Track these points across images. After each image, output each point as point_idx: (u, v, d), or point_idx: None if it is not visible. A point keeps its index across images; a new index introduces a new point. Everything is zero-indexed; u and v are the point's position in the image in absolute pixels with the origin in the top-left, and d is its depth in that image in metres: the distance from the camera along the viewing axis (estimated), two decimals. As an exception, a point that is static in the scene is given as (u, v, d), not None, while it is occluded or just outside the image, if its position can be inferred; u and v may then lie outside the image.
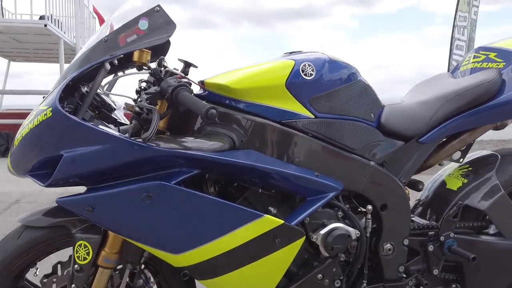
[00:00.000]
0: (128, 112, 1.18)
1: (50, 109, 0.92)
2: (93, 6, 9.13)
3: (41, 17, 6.84)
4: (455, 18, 7.14)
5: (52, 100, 0.93)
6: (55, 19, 6.79)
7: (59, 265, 1.18)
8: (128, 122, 1.20)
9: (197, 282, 1.18)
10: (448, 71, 5.40)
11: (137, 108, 1.02)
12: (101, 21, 10.76)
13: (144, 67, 1.13)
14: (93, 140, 0.93)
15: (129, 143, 0.93)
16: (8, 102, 10.57)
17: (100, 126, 0.97)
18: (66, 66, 7.37)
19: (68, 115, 0.92)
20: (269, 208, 1.09)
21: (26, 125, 0.98)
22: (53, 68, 12.11)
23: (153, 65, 1.14)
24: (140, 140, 0.95)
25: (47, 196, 4.06)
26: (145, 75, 1.17)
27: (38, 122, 0.94)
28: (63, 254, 1.18)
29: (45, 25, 6.31)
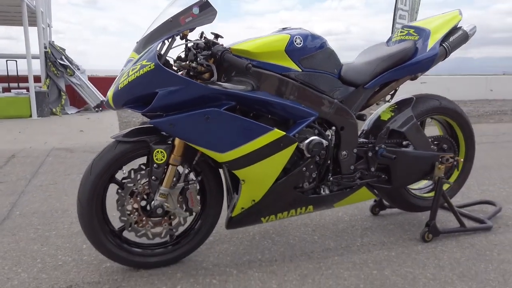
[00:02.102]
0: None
1: (153, 64, 1.51)
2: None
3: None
4: (398, -11, 7.93)
5: (153, 57, 1.52)
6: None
7: (132, 171, 1.79)
8: None
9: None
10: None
11: (193, 64, 1.62)
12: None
13: (186, 38, 1.72)
14: (179, 83, 1.54)
15: (200, 85, 1.56)
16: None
17: (181, 75, 1.57)
18: (29, 28, 7.39)
19: (165, 68, 1.52)
20: (274, 127, 1.75)
21: (131, 74, 1.56)
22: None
23: (193, 35, 1.74)
24: (204, 83, 1.57)
25: (36, 152, 4.50)
26: (181, 45, 1.75)
27: (144, 72, 1.53)
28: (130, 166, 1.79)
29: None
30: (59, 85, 8.36)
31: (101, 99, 8.67)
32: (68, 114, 8.30)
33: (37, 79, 8.08)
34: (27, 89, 7.57)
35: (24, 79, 7.76)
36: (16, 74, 8.33)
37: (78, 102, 8.88)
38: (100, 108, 8.66)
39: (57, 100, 8.34)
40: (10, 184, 3.22)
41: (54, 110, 8.06)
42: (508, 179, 3.29)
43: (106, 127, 6.49)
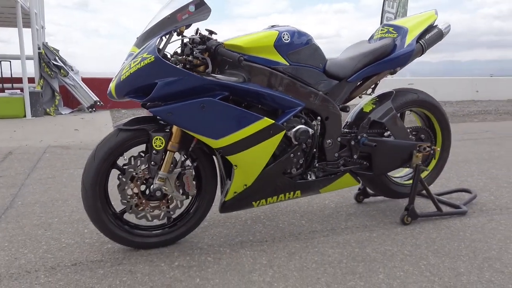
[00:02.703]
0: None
1: (153, 56, 1.66)
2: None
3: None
4: (386, -8, 8.18)
5: (153, 51, 1.67)
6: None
7: (132, 157, 1.93)
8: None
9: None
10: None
11: (190, 58, 1.77)
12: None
13: (182, 34, 1.87)
14: (177, 74, 1.68)
15: (196, 76, 1.71)
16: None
17: (179, 66, 1.72)
18: (24, 30, 7.48)
19: (164, 60, 1.67)
20: (264, 116, 1.91)
21: (133, 66, 1.70)
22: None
23: (189, 32, 1.89)
24: (200, 74, 1.72)
25: (33, 149, 4.60)
26: (178, 40, 1.89)
27: (144, 64, 1.67)
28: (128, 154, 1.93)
29: (6, -11, 6.43)
30: (53, 85, 8.44)
31: (95, 100, 8.77)
32: (61, 114, 8.38)
33: (31, 80, 8.16)
34: (21, 89, 7.64)
35: (18, 80, 7.83)
36: (10, 75, 8.39)
37: (71, 102, 8.96)
38: (94, 109, 8.75)
39: (51, 100, 8.41)
40: (9, 178, 3.33)
41: (48, 110, 8.14)
42: (486, 171, 3.48)
43: (100, 126, 6.60)
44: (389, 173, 2.46)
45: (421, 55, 2.28)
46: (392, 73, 2.28)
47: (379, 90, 2.38)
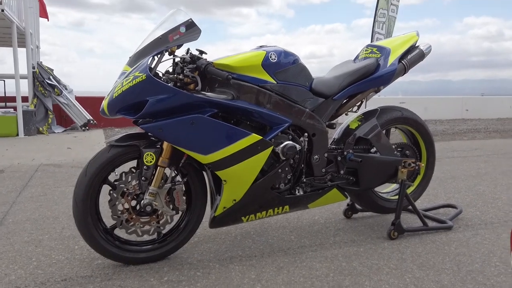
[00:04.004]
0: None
1: (145, 75, 1.72)
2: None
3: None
4: (375, 14, 8.40)
5: (145, 69, 1.73)
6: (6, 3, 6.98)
7: (123, 173, 1.97)
8: None
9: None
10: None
11: (180, 76, 1.83)
12: (42, 5, 10.74)
13: (173, 54, 1.94)
14: (167, 92, 1.74)
15: (186, 94, 1.77)
16: None
17: (170, 85, 1.78)
18: (19, 50, 7.56)
19: (155, 78, 1.73)
20: (252, 132, 1.97)
21: (125, 84, 1.76)
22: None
23: (180, 51, 1.96)
24: (190, 92, 1.78)
25: (25, 167, 4.61)
26: (169, 60, 1.96)
27: (136, 82, 1.73)
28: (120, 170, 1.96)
29: (2, 10, 6.53)
30: (46, 104, 8.48)
31: (88, 118, 8.80)
32: (54, 133, 8.39)
33: (24, 99, 8.20)
34: (15, 108, 7.67)
35: (12, 99, 7.87)
36: (4, 93, 8.43)
37: (65, 121, 8.99)
38: (87, 127, 8.78)
39: (44, 119, 8.44)
40: (0, 196, 3.34)
41: (41, 129, 8.15)
42: (472, 187, 3.55)
43: (93, 145, 6.62)
44: (376, 189, 2.51)
45: (403, 74, 2.37)
46: (376, 91, 2.36)
47: (367, 108, 2.46)
